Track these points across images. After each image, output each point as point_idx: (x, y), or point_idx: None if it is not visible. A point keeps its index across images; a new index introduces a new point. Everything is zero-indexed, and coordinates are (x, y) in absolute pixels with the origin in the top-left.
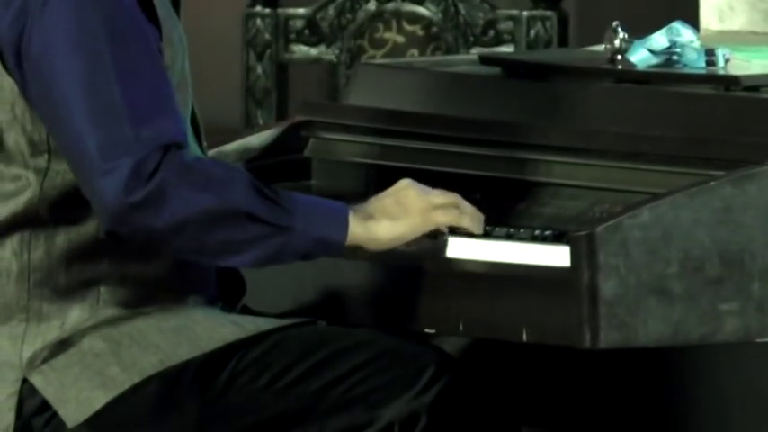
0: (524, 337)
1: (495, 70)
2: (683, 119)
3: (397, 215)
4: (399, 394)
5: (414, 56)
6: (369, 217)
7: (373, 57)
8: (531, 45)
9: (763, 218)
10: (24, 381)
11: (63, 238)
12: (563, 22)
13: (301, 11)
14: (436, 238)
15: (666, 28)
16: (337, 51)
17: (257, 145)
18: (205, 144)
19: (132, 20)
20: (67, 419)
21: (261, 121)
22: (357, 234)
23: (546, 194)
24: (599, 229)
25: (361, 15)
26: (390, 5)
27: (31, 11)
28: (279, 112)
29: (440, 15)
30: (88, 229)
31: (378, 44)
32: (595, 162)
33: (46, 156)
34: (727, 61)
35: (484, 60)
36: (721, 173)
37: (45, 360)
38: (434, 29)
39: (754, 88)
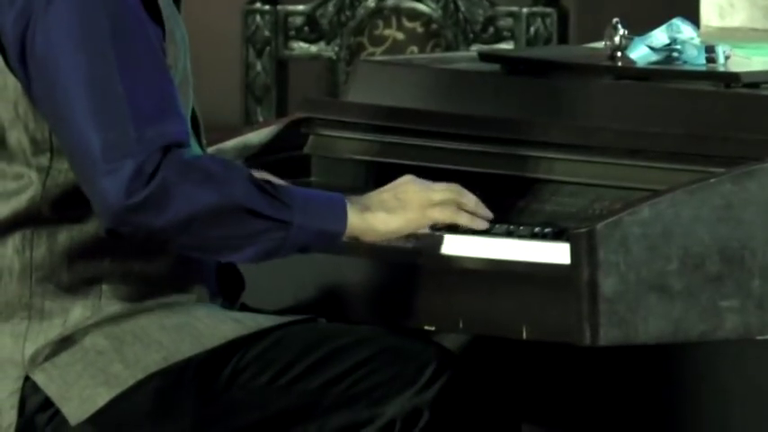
0: (524, 334)
1: (495, 67)
2: (683, 116)
3: (394, 208)
4: (401, 391)
5: (413, 53)
6: (366, 208)
7: (373, 54)
8: (531, 42)
9: (764, 215)
10: (27, 378)
11: (65, 236)
12: (563, 19)
13: (301, 7)
14: (435, 233)
15: (666, 25)
16: (337, 48)
17: (257, 142)
18: (204, 141)
19: (136, 19)
20: (70, 417)
21: (260, 118)
22: (354, 224)
23: (546, 191)
24: (599, 226)
25: (360, 12)
26: (390, 2)
27: (35, 9)
28: (278, 108)
29: (439, 12)
30: (90, 227)
31: (377, 41)
32: (595, 159)
33: (48, 154)
34: (727, 58)
35: (483, 57)
36: (721, 170)
37: (47, 358)
38: (434, 26)
39: (755, 85)
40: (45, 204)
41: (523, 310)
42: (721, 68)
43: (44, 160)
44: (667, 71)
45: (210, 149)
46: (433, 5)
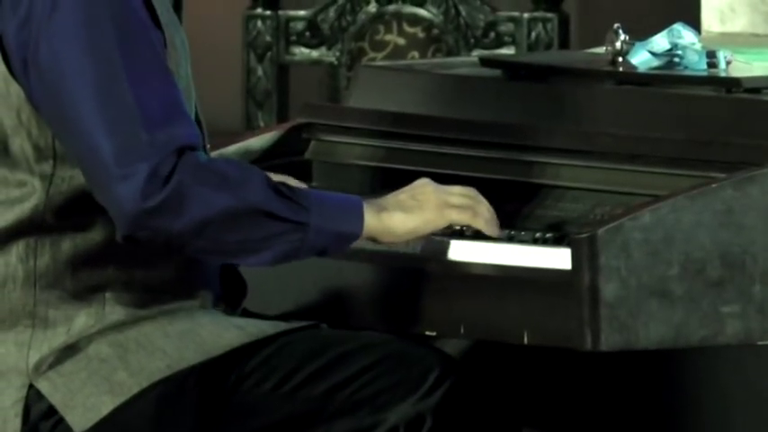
0: (525, 339)
1: (496, 72)
2: (684, 121)
3: (411, 208)
4: (404, 397)
5: (414, 58)
6: (382, 209)
7: (374, 59)
8: (532, 47)
9: (765, 220)
10: (31, 386)
11: (69, 244)
12: (564, 24)
13: (302, 13)
14: (436, 238)
15: (667, 30)
16: (338, 53)
17: (258, 147)
18: (208, 146)
19: (140, 23)
20: (75, 425)
21: (261, 124)
22: (371, 226)
23: (547, 196)
24: (600, 231)
25: (361, 17)
26: (391, 7)
27: (39, 16)
28: (279, 114)
29: (440, 17)
30: (94, 234)
31: (378, 46)
32: (596, 164)
33: (51, 161)
34: (728, 63)
35: (485, 62)
36: (722, 175)
37: (51, 366)
38: (435, 31)
39: (756, 90)
40: (49, 212)
41: (525, 315)
42: (722, 74)
43: (47, 167)
44: (668, 76)
45: (212, 155)
46: (435, 11)
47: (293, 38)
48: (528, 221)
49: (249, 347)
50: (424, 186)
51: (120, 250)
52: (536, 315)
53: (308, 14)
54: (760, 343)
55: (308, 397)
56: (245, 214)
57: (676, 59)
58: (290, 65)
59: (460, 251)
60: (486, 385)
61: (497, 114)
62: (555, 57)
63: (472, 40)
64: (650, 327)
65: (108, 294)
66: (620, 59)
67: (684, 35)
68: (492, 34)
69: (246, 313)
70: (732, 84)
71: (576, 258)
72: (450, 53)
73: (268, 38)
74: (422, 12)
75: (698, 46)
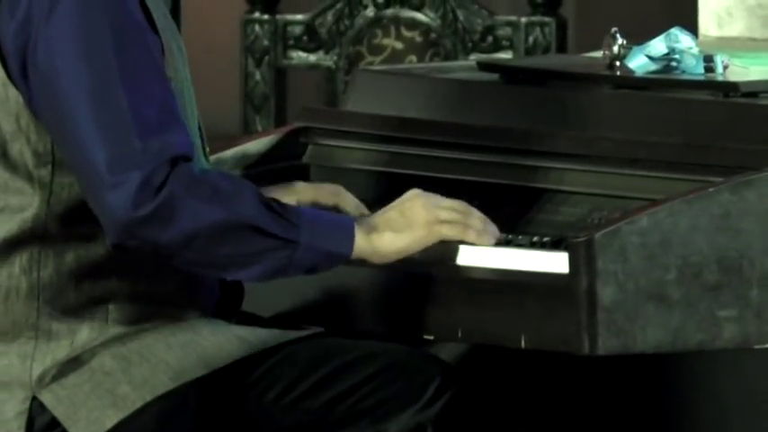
0: (523, 343)
1: (494, 76)
2: (681, 125)
3: (401, 228)
4: (405, 407)
5: (412, 62)
6: (372, 229)
7: (372, 63)
8: (530, 51)
9: (762, 224)
10: (34, 398)
11: (72, 256)
12: (561, 28)
13: (300, 17)
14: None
15: (665, 34)
16: (336, 57)
17: (256, 151)
18: (208, 150)
19: (137, 29)
20: None
21: (259, 128)
22: (361, 247)
23: (544, 200)
24: (597, 235)
25: (359, 21)
26: (389, 11)
27: (37, 20)
28: (277, 118)
29: (438, 21)
30: (97, 247)
31: (376, 50)
32: (594, 168)
33: (50, 167)
34: (725, 67)
35: (482, 66)
36: (720, 179)
37: (55, 378)
38: (433, 35)
39: (753, 94)
40: (51, 222)
41: (522, 319)
42: (720, 78)
43: (46, 174)
44: (666, 80)
45: (210, 158)
46: (432, 15)
47: (291, 42)
48: (525, 225)
49: (252, 359)
50: (412, 200)
51: (123, 262)
52: (533, 319)
53: (305, 18)
54: (757, 347)
55: (309, 408)
56: (234, 228)
57: (674, 63)
58: (288, 69)
59: (458, 255)
60: (486, 395)
61: (495, 118)
62: (552, 61)
63: (470, 45)
64: (647, 331)
65: (111, 306)
66: (618, 64)
67: (682, 39)
68: (490, 38)
69: (244, 316)
70: (729, 88)
71: (573, 262)
72: (447, 57)
73: (266, 42)
74: (420, 16)
75: (695, 50)
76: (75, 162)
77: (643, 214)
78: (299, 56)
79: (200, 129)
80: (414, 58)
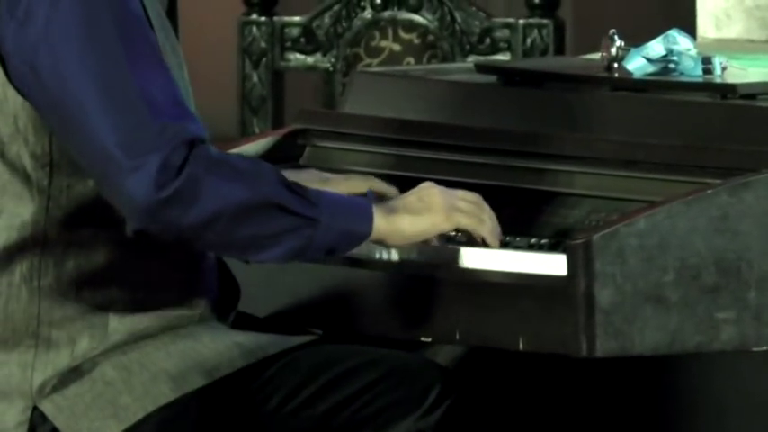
0: (521, 345)
1: (492, 78)
2: (679, 127)
3: (419, 211)
4: (405, 415)
5: (410, 64)
6: (391, 211)
7: (369, 65)
8: (528, 53)
9: (760, 226)
10: (35, 408)
11: (72, 264)
12: (559, 30)
13: (297, 19)
14: (453, 240)
15: (663, 36)
16: (333, 59)
17: (253, 153)
18: None
19: (139, 21)
20: None
21: (257, 130)
22: (380, 227)
23: (542, 202)
24: (595, 237)
25: (357, 23)
26: (386, 13)
27: (37, 18)
28: (275, 120)
29: (436, 23)
30: (97, 255)
31: (374, 52)
32: (592, 170)
33: (47, 169)
34: (723, 69)
35: (480, 68)
36: (718, 181)
37: (56, 388)
38: (430, 37)
39: (751, 96)
40: (50, 227)
41: (520, 321)
42: (718, 80)
43: (44, 176)
44: (664, 82)
45: None
46: (430, 17)
47: (288, 44)
48: (523, 227)
49: (252, 366)
50: (430, 189)
51: (123, 270)
52: (531, 321)
53: (303, 20)
54: (755, 349)
55: (311, 416)
56: (257, 207)
57: (672, 65)
58: (286, 71)
59: (456, 257)
60: (485, 400)
61: (493, 120)
62: (550, 63)
63: (467, 47)
64: (645, 333)
65: (111, 314)
66: (616, 65)
67: (680, 41)
68: (487, 40)
69: (240, 317)
70: (728, 90)
71: (571, 264)
72: (445, 59)
73: (263, 44)
74: (417, 18)
75: (693, 52)
76: (87, 154)
77: (641, 216)
78: (296, 58)
79: None
80: (411, 60)
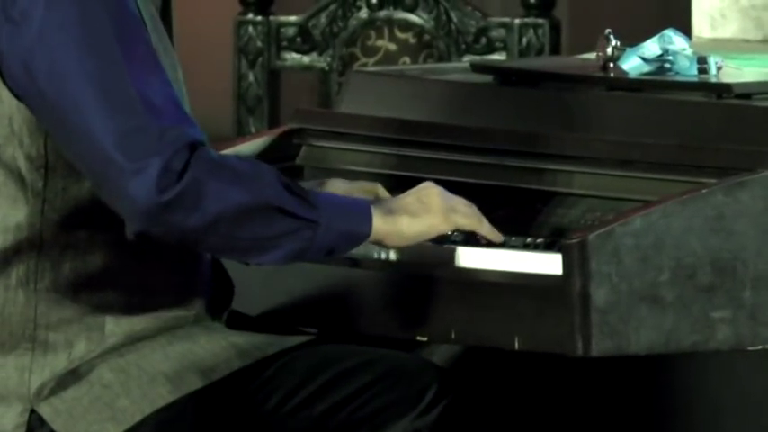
0: (516, 344)
1: (487, 78)
2: (675, 127)
3: (418, 212)
4: (402, 415)
5: (406, 63)
6: (390, 212)
7: (365, 64)
8: (523, 53)
9: (755, 225)
10: (32, 411)
11: (69, 267)
12: (555, 30)
13: (293, 18)
14: (449, 240)
15: (659, 35)
16: (329, 59)
17: (249, 153)
18: None
19: (135, 22)
20: None
21: (253, 129)
22: (379, 227)
23: (538, 202)
24: (591, 236)
25: (353, 23)
26: (382, 13)
27: (33, 20)
28: (271, 119)
29: (432, 23)
30: (94, 258)
31: (370, 52)
32: (587, 170)
33: (42, 171)
34: (719, 69)
35: (476, 68)
36: (713, 181)
37: (53, 391)
38: (426, 36)
39: (746, 96)
40: (46, 230)
41: (516, 320)
42: (713, 79)
43: (38, 178)
44: (659, 82)
45: None
46: (426, 16)
47: (284, 43)
48: (519, 227)
49: (250, 368)
50: (428, 189)
51: (120, 273)
52: (527, 321)
53: (299, 20)
54: (751, 348)
55: (308, 417)
56: (259, 210)
57: (667, 65)
58: (282, 70)
59: (451, 257)
60: (481, 400)
61: (489, 120)
62: (546, 62)
63: (463, 46)
64: (641, 332)
65: (108, 317)
66: (612, 65)
67: (675, 41)
68: (483, 40)
69: (234, 316)
70: (723, 89)
71: (567, 264)
72: (441, 59)
73: (259, 43)
74: (413, 17)
75: (689, 51)
76: (85, 156)
77: (636, 216)
78: (292, 57)
79: None
80: (407, 59)
